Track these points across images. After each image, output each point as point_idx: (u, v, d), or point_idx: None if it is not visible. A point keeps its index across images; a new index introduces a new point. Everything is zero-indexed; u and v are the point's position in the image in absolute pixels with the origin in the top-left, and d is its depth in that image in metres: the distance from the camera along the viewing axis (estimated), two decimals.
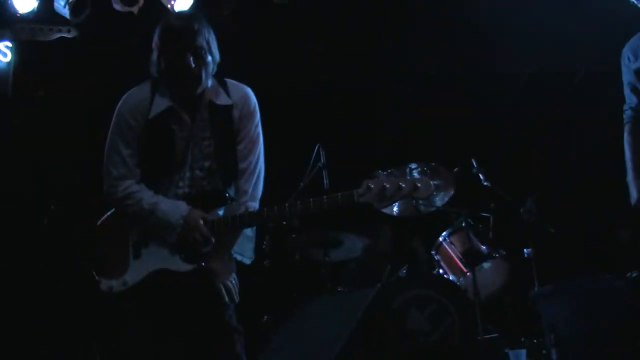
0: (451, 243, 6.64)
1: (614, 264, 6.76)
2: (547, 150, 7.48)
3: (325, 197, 3.75)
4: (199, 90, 3.97)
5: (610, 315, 4.86)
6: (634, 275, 5.08)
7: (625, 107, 4.91)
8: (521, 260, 6.40)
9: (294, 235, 6.50)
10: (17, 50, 6.75)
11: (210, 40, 3.92)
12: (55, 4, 6.44)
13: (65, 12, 6.40)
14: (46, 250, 6.67)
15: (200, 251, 3.88)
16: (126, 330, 4.02)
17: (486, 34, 7.30)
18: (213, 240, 3.87)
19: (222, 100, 4.04)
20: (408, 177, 3.66)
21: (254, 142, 4.09)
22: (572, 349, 5.03)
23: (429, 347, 5.53)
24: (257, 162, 4.09)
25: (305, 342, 4.94)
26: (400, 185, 3.64)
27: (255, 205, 4.04)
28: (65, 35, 6.23)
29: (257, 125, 4.12)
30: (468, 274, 6.38)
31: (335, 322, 4.95)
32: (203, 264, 3.90)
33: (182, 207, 3.89)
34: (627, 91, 4.90)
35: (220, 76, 4.08)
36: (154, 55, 3.92)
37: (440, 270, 6.66)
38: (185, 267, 3.89)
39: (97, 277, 3.98)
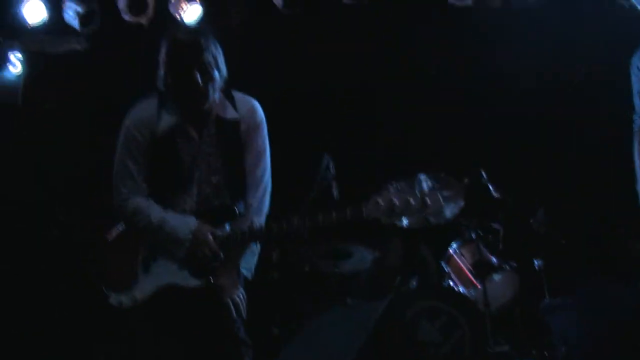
0: (461, 255, 6.62)
1: (625, 275, 6.72)
2: (558, 160, 7.44)
3: (334, 212, 3.73)
4: (206, 106, 3.95)
5: (621, 327, 4.83)
6: None
7: (635, 116, 4.88)
8: (532, 272, 6.38)
9: (303, 247, 6.48)
10: (27, 61, 6.78)
11: (217, 55, 3.89)
12: (65, 15, 6.45)
13: (75, 23, 6.41)
14: (57, 262, 6.68)
15: (209, 266, 3.87)
16: (134, 344, 4.02)
17: (499, 41, 7.30)
18: (222, 255, 3.86)
19: (230, 114, 4.03)
20: (417, 193, 3.64)
21: (261, 155, 4.08)
22: None
23: (439, 359, 5.52)
24: (263, 176, 4.08)
25: (315, 354, 4.93)
26: (409, 201, 3.63)
27: (261, 219, 4.02)
28: (75, 47, 6.26)
29: (263, 138, 4.10)
30: (478, 285, 6.35)
31: (346, 334, 4.95)
32: (211, 279, 3.89)
33: (191, 222, 3.88)
34: (636, 100, 4.87)
35: (227, 89, 4.05)
36: (161, 71, 3.90)
37: (451, 282, 6.63)
38: (194, 282, 3.88)
39: (106, 292, 3.98)
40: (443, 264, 6.74)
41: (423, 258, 7.25)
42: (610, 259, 7.13)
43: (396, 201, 3.62)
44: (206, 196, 3.98)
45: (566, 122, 7.40)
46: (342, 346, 4.73)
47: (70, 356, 6.56)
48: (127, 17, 6.49)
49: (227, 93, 4.05)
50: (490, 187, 6.56)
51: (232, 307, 3.89)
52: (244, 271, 4.08)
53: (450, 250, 6.69)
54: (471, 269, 6.51)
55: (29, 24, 6.36)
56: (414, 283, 6.59)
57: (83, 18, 6.38)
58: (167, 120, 3.96)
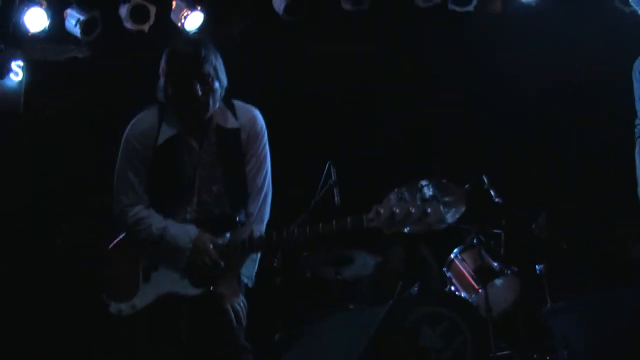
0: (463, 260, 6.61)
1: (627, 279, 6.72)
2: (559, 165, 7.45)
3: (334, 221, 3.74)
4: (207, 116, 3.96)
5: (623, 331, 4.82)
6: None
7: (637, 121, 4.88)
8: (533, 277, 6.37)
9: (305, 253, 6.49)
10: (29, 69, 6.79)
11: (217, 66, 3.89)
12: (67, 23, 6.47)
13: (77, 31, 6.42)
14: (59, 269, 6.69)
15: (209, 275, 3.87)
16: (134, 351, 4.02)
17: (500, 43, 7.33)
18: (222, 264, 3.87)
19: (230, 123, 4.03)
20: (418, 201, 3.64)
21: (261, 163, 4.09)
22: None
23: None
24: (263, 184, 4.08)
25: None
26: (410, 211, 3.63)
27: (261, 227, 4.04)
28: (76, 55, 6.28)
29: (264, 146, 4.11)
30: (480, 290, 6.34)
31: (347, 340, 4.93)
32: (211, 288, 3.89)
33: (192, 231, 3.89)
34: (638, 106, 4.86)
35: (228, 98, 4.06)
36: (161, 81, 3.91)
37: (452, 287, 6.63)
38: (194, 291, 3.89)
39: (106, 300, 3.99)
40: (444, 270, 6.73)
41: (424, 261, 7.26)
42: (612, 262, 7.13)
43: (397, 210, 3.63)
44: (207, 205, 3.99)
45: (567, 126, 7.42)
46: (343, 352, 4.72)
47: None
48: (128, 25, 6.50)
49: (227, 102, 4.06)
50: (492, 193, 6.56)
51: (232, 314, 3.90)
52: (244, 279, 4.09)
53: (452, 256, 6.68)
54: (473, 274, 6.50)
55: (30, 32, 6.37)
56: (416, 289, 6.58)
57: (85, 26, 6.39)
58: (167, 130, 3.97)
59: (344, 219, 3.73)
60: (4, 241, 6.70)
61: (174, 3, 6.61)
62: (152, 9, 6.53)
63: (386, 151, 7.92)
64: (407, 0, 6.75)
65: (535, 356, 6.17)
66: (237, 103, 4.11)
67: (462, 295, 6.48)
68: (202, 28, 6.59)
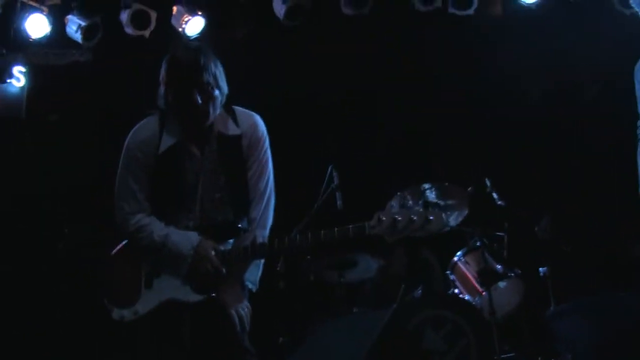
0: (466, 262, 6.60)
1: (630, 281, 6.71)
2: (562, 168, 7.44)
3: (336, 229, 3.75)
4: (207, 123, 3.96)
5: (627, 333, 4.82)
6: None
7: (639, 123, 4.88)
8: (537, 279, 6.36)
9: (308, 257, 6.49)
10: (31, 75, 6.80)
11: (217, 73, 3.89)
12: (68, 29, 6.47)
13: (78, 36, 6.43)
14: (62, 274, 6.69)
15: (211, 282, 3.88)
16: (137, 355, 4.02)
17: (501, 46, 7.33)
18: (224, 270, 3.87)
19: (231, 130, 4.04)
20: (420, 207, 3.64)
21: (263, 169, 4.09)
22: None
23: None
24: (265, 189, 4.08)
25: None
26: (412, 219, 3.63)
27: (264, 233, 4.04)
28: (78, 60, 6.28)
29: (265, 152, 4.11)
30: (483, 293, 6.33)
31: (351, 343, 4.92)
32: (213, 294, 3.90)
33: (193, 237, 3.90)
34: None
35: (228, 104, 4.06)
36: (161, 89, 3.92)
37: (456, 290, 6.62)
38: (195, 297, 3.90)
39: (109, 306, 3.99)
40: (448, 273, 6.72)
41: (427, 264, 7.25)
42: (615, 264, 7.12)
43: (399, 218, 3.63)
44: (209, 212, 3.99)
45: (568, 127, 7.42)
46: (347, 355, 4.71)
47: None
48: (129, 31, 6.51)
49: (228, 108, 4.06)
50: (495, 195, 6.55)
51: (236, 320, 3.90)
52: (248, 284, 4.08)
53: (455, 259, 6.67)
54: (476, 276, 6.49)
55: (32, 38, 6.38)
56: (419, 291, 6.58)
57: (86, 32, 6.40)
58: (168, 138, 3.97)
59: (346, 226, 3.74)
60: (7, 245, 6.71)
61: (174, 8, 6.61)
62: (153, 15, 6.54)
63: (388, 154, 7.92)
64: (408, 4, 6.75)
65: (539, 358, 6.16)
66: (238, 109, 4.11)
67: (466, 297, 6.48)
68: (202, 33, 6.59)
